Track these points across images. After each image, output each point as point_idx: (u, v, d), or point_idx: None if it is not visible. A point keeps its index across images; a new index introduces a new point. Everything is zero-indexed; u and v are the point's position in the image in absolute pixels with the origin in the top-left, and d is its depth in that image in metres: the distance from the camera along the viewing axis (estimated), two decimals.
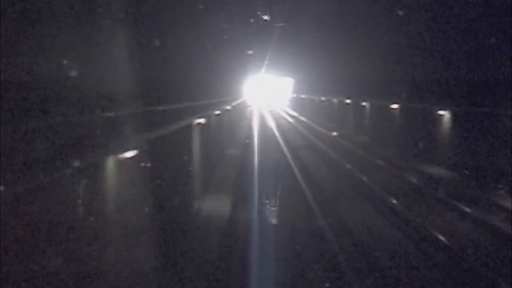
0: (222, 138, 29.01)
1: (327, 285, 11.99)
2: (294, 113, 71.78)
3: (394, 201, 19.43)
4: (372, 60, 29.80)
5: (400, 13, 19.09)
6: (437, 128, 25.71)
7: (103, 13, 7.67)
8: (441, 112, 24.90)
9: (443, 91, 23.04)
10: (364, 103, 39.24)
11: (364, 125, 40.10)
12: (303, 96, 74.14)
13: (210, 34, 19.30)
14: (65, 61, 6.48)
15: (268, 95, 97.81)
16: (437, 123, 25.68)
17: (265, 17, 23.58)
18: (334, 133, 42.60)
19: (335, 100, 51.15)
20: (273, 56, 39.74)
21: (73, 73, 6.45)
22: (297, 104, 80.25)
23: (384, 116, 34.23)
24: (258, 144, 36.09)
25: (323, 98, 57.25)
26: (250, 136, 42.41)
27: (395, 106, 31.59)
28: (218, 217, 16.47)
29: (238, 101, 47.69)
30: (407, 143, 29.12)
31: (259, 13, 22.99)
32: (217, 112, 25.22)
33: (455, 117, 23.87)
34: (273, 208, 18.07)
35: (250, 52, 36.21)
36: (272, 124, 56.35)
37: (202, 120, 18.63)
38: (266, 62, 45.56)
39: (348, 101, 43.95)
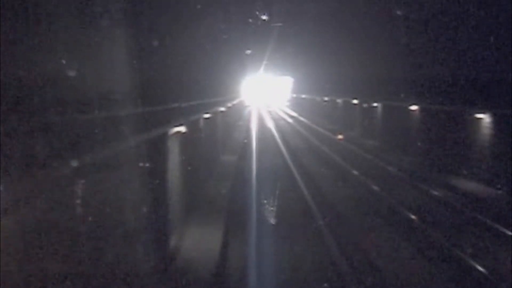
0: (210, 148, 23.53)
1: (326, 285, 11.96)
2: (294, 114, 68.62)
3: (415, 219, 16.09)
4: (382, 58, 27.12)
5: (403, 9, 18.67)
6: (469, 133, 21.35)
7: (102, 13, 7.68)
8: (479, 116, 20.62)
9: (474, 92, 19.67)
10: (375, 104, 34.49)
11: (374, 128, 35.17)
12: (303, 96, 70.73)
13: (209, 34, 19.31)
14: (63, 61, 6.48)
15: (266, 95, 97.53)
16: (470, 127, 21.38)
17: (264, 17, 23.62)
18: (339, 136, 38.78)
19: (339, 101, 47.00)
20: (272, 56, 39.72)
21: (72, 73, 6.46)
22: (297, 105, 76.94)
23: (399, 118, 29.44)
24: (256, 149, 32.34)
25: (326, 98, 53.05)
26: (247, 137, 40.28)
27: (414, 107, 27.06)
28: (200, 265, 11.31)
29: (235, 102, 45.96)
30: (429, 150, 24.60)
31: (257, 13, 23.04)
32: (207, 115, 21.30)
33: (495, 121, 19.88)
34: (272, 209, 17.02)
35: (249, 52, 36.25)
36: (271, 124, 54.10)
37: (182, 128, 13.91)
38: (264, 62, 45.54)
39: (355, 101, 39.95)
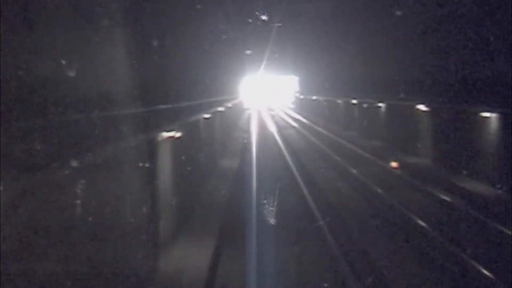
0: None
1: (326, 285, 11.97)
2: (306, 121, 50.73)
3: None
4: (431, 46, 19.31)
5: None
6: None
7: (102, 13, 7.68)
8: None
9: None
10: (487, 114, 17.72)
11: (462, 151, 18.80)
12: (314, 97, 54.42)
13: (209, 34, 19.30)
14: (63, 61, 6.48)
15: (268, 96, 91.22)
16: None
17: (263, 17, 23.67)
18: (394, 164, 23.58)
19: (381, 105, 29.52)
20: (272, 55, 39.55)
21: (72, 73, 6.45)
22: (306, 108, 60.98)
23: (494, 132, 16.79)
24: (256, 200, 16.35)
25: (354, 101, 35.72)
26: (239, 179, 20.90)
27: None
28: None
29: (233, 103, 37.80)
30: None
31: (257, 13, 23.09)
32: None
33: None
34: None
35: (249, 52, 36.28)
36: (278, 137, 37.21)
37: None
38: (264, 62, 45.30)
39: (422, 107, 22.89)
